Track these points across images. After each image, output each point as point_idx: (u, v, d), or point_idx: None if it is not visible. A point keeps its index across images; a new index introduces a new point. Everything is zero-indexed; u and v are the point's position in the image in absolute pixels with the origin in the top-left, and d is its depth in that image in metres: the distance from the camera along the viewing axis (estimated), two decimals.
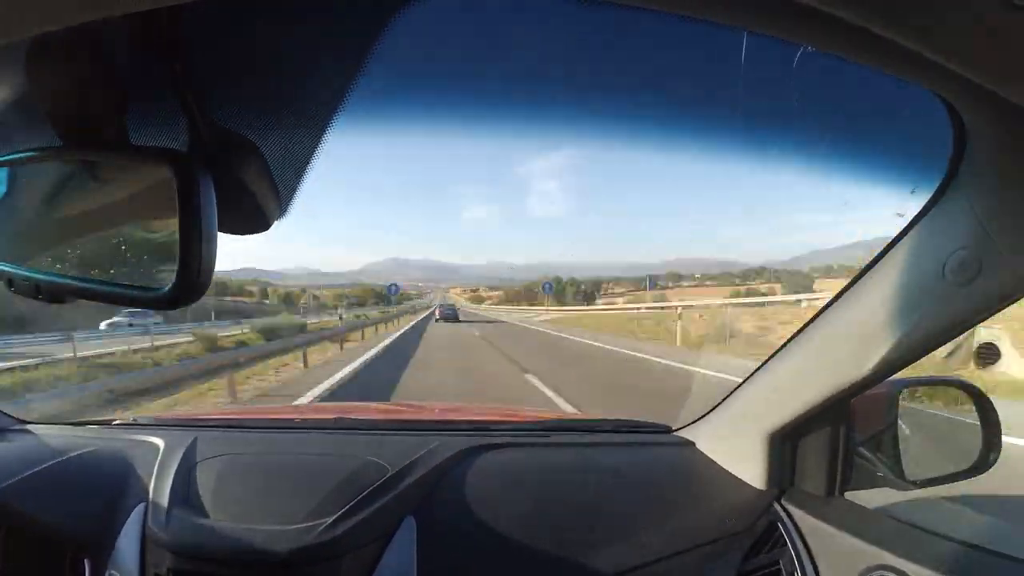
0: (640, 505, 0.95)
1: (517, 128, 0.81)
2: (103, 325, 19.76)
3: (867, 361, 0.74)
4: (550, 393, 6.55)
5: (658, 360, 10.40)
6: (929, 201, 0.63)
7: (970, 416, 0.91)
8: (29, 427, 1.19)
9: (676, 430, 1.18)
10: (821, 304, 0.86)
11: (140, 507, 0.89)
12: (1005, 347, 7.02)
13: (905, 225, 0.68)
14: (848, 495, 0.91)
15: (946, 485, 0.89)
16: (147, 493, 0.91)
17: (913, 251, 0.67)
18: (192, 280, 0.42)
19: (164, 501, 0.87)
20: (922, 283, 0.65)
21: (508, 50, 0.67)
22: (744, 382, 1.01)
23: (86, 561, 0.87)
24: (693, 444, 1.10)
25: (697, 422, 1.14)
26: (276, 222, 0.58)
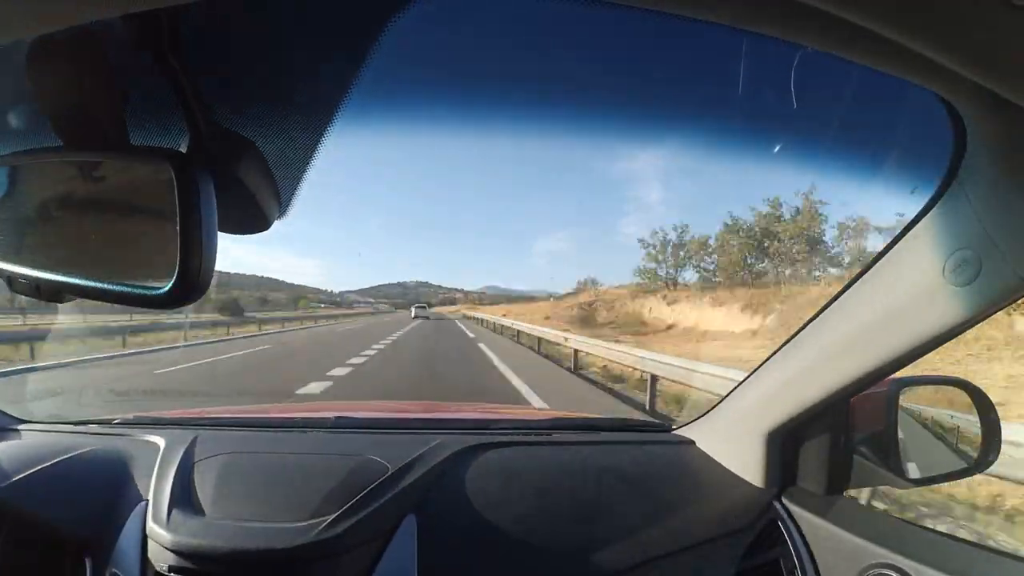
0: (640, 504, 0.95)
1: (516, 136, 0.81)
2: None
3: (867, 360, 0.75)
4: None
5: None
6: (929, 201, 0.63)
7: (970, 415, 0.91)
8: (29, 427, 1.19)
9: (676, 429, 1.18)
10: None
11: (141, 506, 0.89)
12: None
13: (905, 225, 0.68)
14: (848, 493, 0.92)
15: (946, 484, 0.89)
16: (148, 492, 0.91)
17: (913, 251, 0.67)
18: (192, 280, 0.42)
19: (165, 500, 0.87)
20: (922, 283, 0.65)
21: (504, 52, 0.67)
22: (744, 381, 1.01)
23: (87, 560, 0.87)
24: (693, 443, 1.10)
25: (697, 421, 1.14)
26: (276, 222, 0.58)
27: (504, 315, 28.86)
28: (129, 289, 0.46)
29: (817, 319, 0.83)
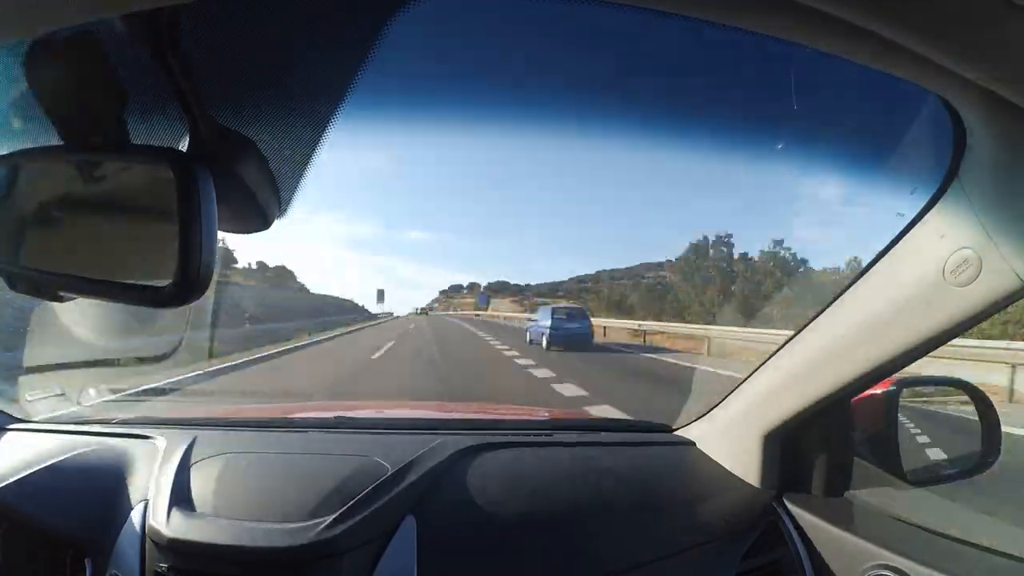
0: (640, 504, 0.95)
1: (516, 129, 0.81)
2: None
3: (867, 361, 0.75)
4: None
5: None
6: (929, 201, 0.63)
7: (970, 415, 0.91)
8: (29, 427, 1.19)
9: (676, 429, 1.18)
10: None
11: (140, 506, 0.89)
12: None
13: (905, 225, 0.67)
14: (848, 494, 0.92)
15: (946, 484, 0.89)
16: (147, 492, 0.91)
17: (913, 251, 0.67)
18: (192, 279, 0.42)
19: (164, 500, 0.87)
20: (922, 283, 0.65)
21: (509, 50, 0.67)
22: (744, 381, 1.01)
23: (87, 560, 0.87)
24: (693, 443, 1.10)
25: (697, 421, 1.14)
26: (276, 221, 0.58)
27: None
28: (129, 288, 0.47)
29: (817, 319, 0.83)
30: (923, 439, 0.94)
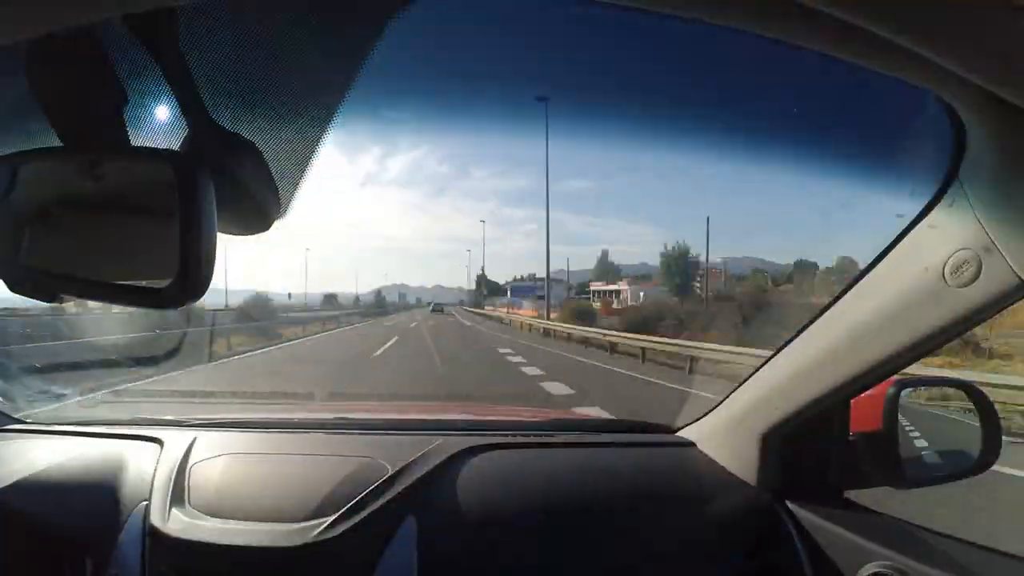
0: (640, 505, 0.95)
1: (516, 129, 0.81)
2: None
3: (867, 361, 0.75)
4: None
5: None
6: (929, 202, 0.63)
7: (970, 416, 0.91)
8: (29, 427, 1.19)
9: (676, 430, 1.18)
10: None
11: (141, 506, 0.90)
12: None
13: (905, 225, 0.67)
14: (848, 494, 0.92)
15: (946, 485, 0.89)
16: (148, 492, 0.91)
17: (913, 251, 0.67)
18: (192, 280, 0.42)
19: (165, 500, 0.87)
20: (922, 283, 0.65)
21: (505, 51, 0.67)
22: (744, 382, 1.01)
23: (87, 561, 0.87)
24: (694, 444, 1.10)
25: (697, 422, 1.14)
26: (276, 222, 0.57)
27: None
28: (129, 290, 0.47)
29: (818, 320, 0.83)
30: (923, 439, 0.94)
